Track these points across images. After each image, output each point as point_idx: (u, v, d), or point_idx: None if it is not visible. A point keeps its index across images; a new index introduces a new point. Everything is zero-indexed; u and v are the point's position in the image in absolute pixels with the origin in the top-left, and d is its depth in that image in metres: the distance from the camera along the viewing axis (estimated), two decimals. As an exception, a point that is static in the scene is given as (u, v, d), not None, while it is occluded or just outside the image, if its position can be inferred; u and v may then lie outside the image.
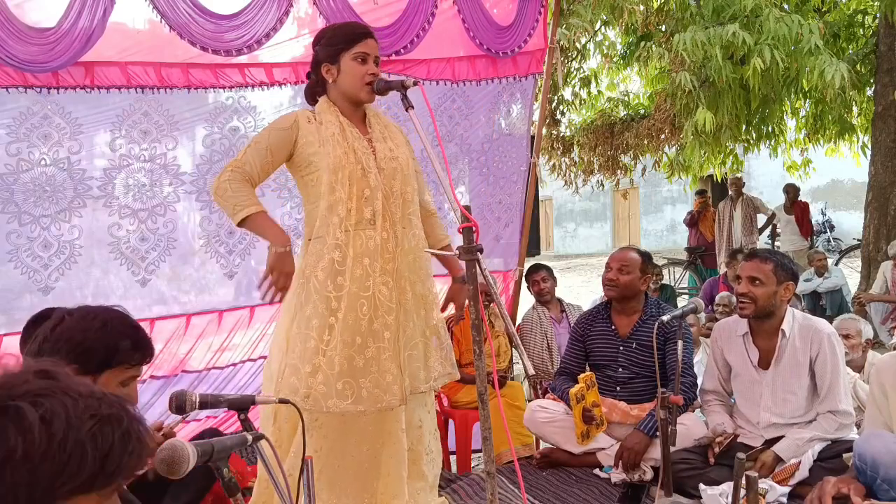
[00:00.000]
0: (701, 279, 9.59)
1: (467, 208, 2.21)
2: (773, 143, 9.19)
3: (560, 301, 5.05)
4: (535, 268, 4.99)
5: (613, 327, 3.67)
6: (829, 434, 3.12)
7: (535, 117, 4.80)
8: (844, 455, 2.92)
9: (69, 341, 1.77)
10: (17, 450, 0.82)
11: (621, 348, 3.63)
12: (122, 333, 1.84)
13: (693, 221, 10.16)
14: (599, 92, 10.18)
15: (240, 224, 2.54)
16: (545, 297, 4.93)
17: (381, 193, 2.58)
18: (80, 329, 1.80)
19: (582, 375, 3.39)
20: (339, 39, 2.60)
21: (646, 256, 3.72)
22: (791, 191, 9.63)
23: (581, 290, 12.25)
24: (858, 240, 9.45)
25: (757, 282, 3.16)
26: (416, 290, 2.68)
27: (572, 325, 4.14)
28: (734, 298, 3.49)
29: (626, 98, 10.55)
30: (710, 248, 9.68)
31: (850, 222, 15.76)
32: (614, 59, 9.58)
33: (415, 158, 2.82)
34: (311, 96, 2.74)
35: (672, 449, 2.67)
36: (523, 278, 4.77)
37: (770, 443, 3.21)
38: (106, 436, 0.87)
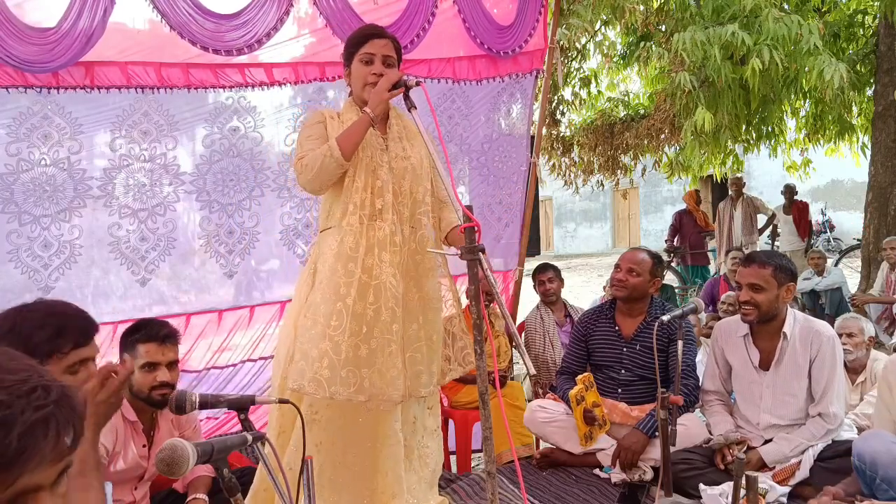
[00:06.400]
0: (681, 278, 9.63)
1: (469, 208, 2.21)
2: (772, 143, 9.18)
3: (565, 304, 4.98)
4: (543, 267, 4.93)
5: (617, 328, 3.64)
6: (816, 439, 3.11)
7: (535, 117, 4.80)
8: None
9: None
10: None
11: (625, 350, 3.60)
12: (39, 325, 1.75)
13: (676, 230, 10.10)
14: (599, 92, 10.18)
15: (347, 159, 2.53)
16: (550, 298, 4.88)
17: (391, 189, 2.63)
18: (7, 326, 1.76)
19: (579, 377, 3.35)
20: (350, 42, 2.71)
21: (656, 259, 3.65)
22: (787, 191, 9.63)
23: (581, 290, 12.24)
24: (858, 240, 9.45)
25: (758, 287, 3.12)
26: (423, 292, 2.69)
27: (575, 323, 4.10)
28: (740, 298, 3.47)
29: (626, 98, 10.55)
30: (697, 245, 9.72)
31: (850, 222, 15.77)
32: (614, 59, 9.57)
33: (432, 160, 2.80)
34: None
35: (672, 449, 2.66)
36: (530, 277, 4.74)
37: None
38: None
